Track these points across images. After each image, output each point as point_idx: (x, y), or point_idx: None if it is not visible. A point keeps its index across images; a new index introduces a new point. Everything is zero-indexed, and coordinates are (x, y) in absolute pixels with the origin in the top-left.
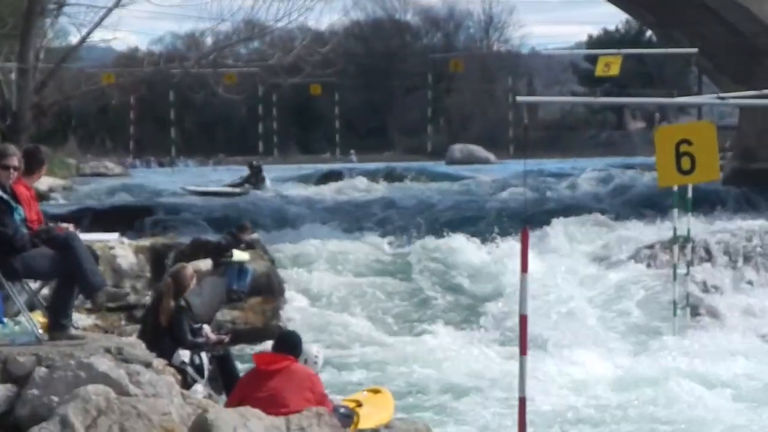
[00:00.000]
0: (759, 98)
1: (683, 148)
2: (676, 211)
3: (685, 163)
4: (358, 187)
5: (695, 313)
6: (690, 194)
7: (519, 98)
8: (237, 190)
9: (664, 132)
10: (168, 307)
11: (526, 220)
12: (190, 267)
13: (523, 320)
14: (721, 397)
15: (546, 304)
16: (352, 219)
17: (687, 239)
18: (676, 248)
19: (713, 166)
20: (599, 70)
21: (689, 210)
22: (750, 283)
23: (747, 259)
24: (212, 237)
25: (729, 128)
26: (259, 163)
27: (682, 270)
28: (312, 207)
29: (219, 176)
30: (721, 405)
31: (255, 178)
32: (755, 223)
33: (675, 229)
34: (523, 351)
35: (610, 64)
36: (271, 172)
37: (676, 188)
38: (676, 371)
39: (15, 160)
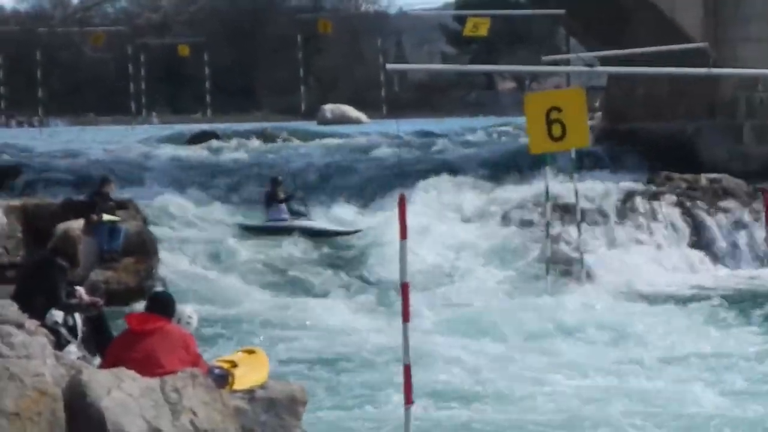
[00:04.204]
0: (624, 65)
1: (553, 115)
2: (548, 170)
3: (556, 129)
4: (230, 146)
5: (567, 271)
6: (573, 156)
7: (389, 66)
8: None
9: (533, 99)
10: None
11: (398, 181)
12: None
13: (404, 287)
14: (595, 352)
15: (423, 267)
16: (225, 179)
17: (547, 197)
18: (548, 207)
19: (583, 132)
20: (467, 30)
21: (574, 170)
22: (620, 240)
23: (618, 217)
24: (82, 197)
25: (598, 89)
26: (278, 178)
27: (554, 229)
28: (184, 167)
29: (90, 136)
30: (595, 361)
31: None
32: (625, 183)
33: (547, 189)
34: (405, 318)
35: (479, 25)
36: (141, 132)
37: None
38: (550, 328)
39: None
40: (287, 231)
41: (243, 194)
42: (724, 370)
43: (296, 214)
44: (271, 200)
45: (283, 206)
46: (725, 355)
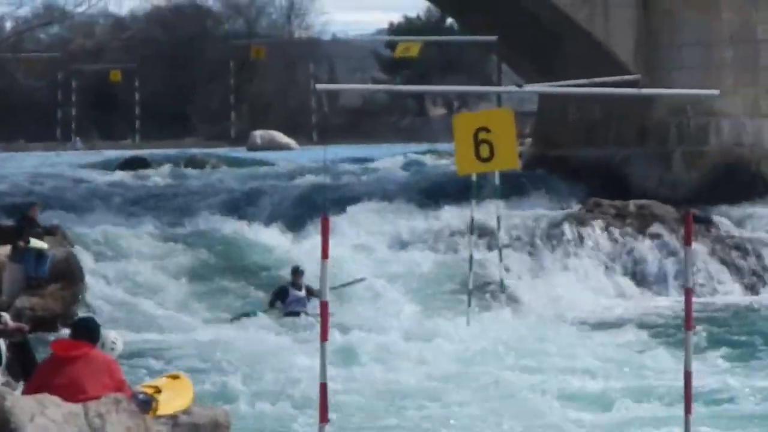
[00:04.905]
0: (556, 87)
1: (482, 135)
2: (474, 201)
3: (484, 150)
4: (159, 173)
5: (493, 297)
6: (498, 181)
7: (318, 86)
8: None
9: (461, 120)
10: None
11: (325, 207)
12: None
13: (324, 306)
14: (517, 379)
15: (347, 290)
16: (152, 205)
17: (472, 228)
18: (473, 237)
19: (512, 153)
20: (399, 52)
21: (497, 195)
22: (547, 268)
23: (546, 243)
24: (9, 222)
25: (529, 114)
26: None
27: (479, 253)
28: (112, 193)
29: (17, 162)
30: (516, 388)
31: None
32: (554, 209)
33: (472, 221)
34: (323, 337)
35: (410, 47)
36: (69, 158)
37: (474, 177)
38: (469, 356)
39: None
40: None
41: (170, 220)
42: (645, 395)
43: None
44: (292, 289)
45: (304, 296)
46: (648, 380)
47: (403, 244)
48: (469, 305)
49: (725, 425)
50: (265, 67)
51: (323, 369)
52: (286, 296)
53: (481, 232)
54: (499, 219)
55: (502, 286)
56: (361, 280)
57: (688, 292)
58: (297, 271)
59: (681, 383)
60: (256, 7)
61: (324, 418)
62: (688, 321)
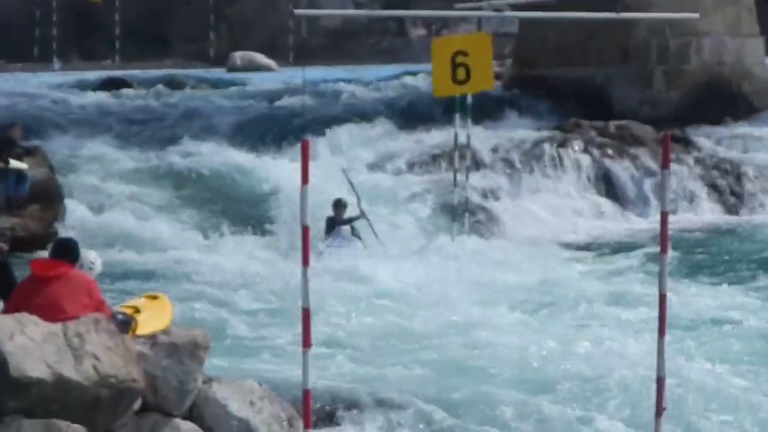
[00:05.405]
0: (535, 13)
1: (459, 59)
2: (457, 117)
3: (461, 73)
4: (139, 94)
5: (474, 219)
6: (469, 101)
7: (297, 11)
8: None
9: (439, 43)
10: None
11: (305, 130)
12: None
13: (305, 231)
14: (497, 302)
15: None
16: (132, 126)
17: (456, 145)
18: (456, 155)
19: (487, 76)
20: None
21: (469, 116)
22: (526, 188)
23: (524, 165)
24: None
25: (509, 36)
26: (342, 199)
27: (461, 176)
28: (92, 114)
29: None
30: (498, 310)
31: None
32: (533, 131)
33: (456, 136)
34: (305, 262)
35: None
36: (48, 78)
37: (458, 96)
38: (453, 276)
39: None
40: None
41: (149, 141)
42: (626, 314)
43: (357, 236)
44: (333, 223)
45: (346, 229)
46: (629, 300)
47: (385, 164)
48: (454, 220)
49: (700, 346)
50: None
51: (305, 294)
52: (331, 230)
53: (460, 153)
54: (468, 138)
55: (466, 206)
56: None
57: (664, 216)
58: (339, 204)
59: (656, 304)
60: None
61: (306, 342)
62: (663, 245)
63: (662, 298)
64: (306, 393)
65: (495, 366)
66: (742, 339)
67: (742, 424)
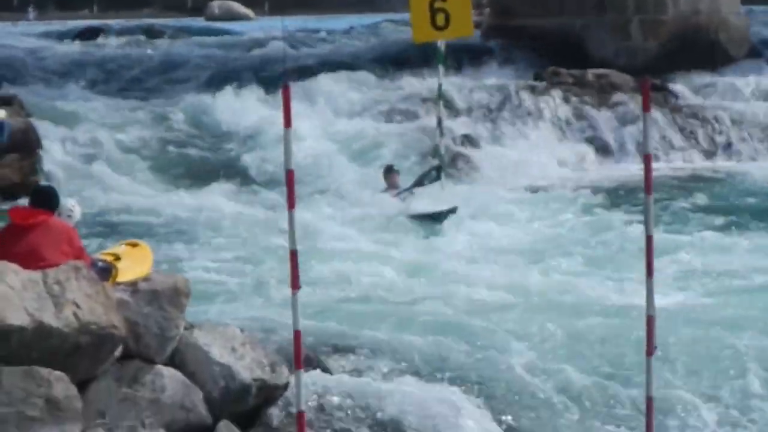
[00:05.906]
0: None
1: (438, 4)
2: (441, 66)
3: (440, 19)
4: (117, 43)
5: (454, 166)
6: (443, 49)
7: None
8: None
9: None
10: None
11: (286, 77)
12: None
13: (289, 175)
14: (482, 248)
15: (308, 159)
16: (110, 75)
17: (440, 94)
18: (441, 106)
19: (466, 22)
20: None
21: (440, 63)
22: (505, 137)
23: (503, 113)
24: None
25: None
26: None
27: (443, 123)
28: (69, 63)
29: None
30: (481, 254)
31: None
32: (512, 78)
33: (440, 87)
34: (290, 205)
35: None
36: (25, 28)
37: (440, 44)
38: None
39: None
40: None
41: (128, 89)
42: (606, 259)
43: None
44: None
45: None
46: (610, 247)
47: (364, 113)
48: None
49: (686, 285)
50: None
51: (292, 236)
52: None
53: (443, 100)
54: (440, 86)
55: (438, 154)
56: (453, 210)
57: (648, 157)
58: (392, 170)
59: (643, 248)
60: None
61: (295, 284)
62: (647, 186)
63: (649, 239)
64: (297, 334)
65: (488, 313)
66: (727, 278)
67: (731, 357)
